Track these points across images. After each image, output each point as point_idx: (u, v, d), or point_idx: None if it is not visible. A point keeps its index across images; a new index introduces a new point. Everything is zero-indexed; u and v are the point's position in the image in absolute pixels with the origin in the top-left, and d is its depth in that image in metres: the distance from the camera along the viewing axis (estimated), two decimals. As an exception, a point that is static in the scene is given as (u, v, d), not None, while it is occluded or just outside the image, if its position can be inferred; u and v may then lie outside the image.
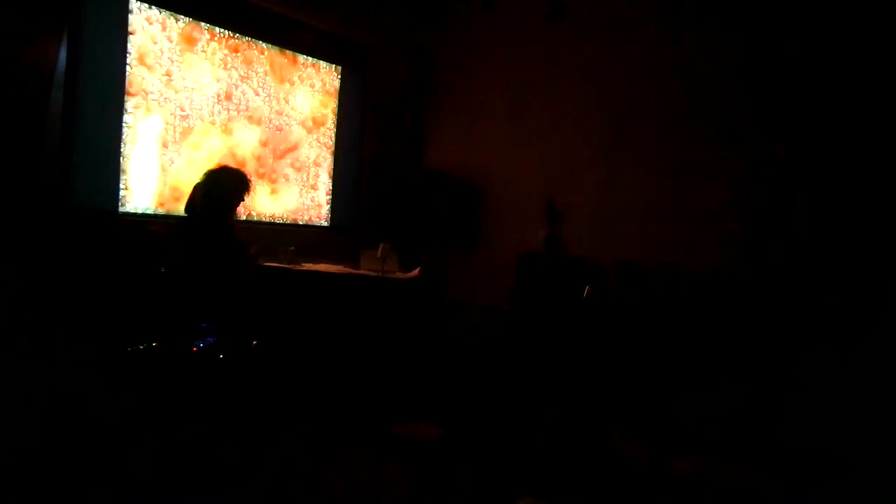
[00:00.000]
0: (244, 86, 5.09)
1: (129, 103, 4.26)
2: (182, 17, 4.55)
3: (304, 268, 4.67)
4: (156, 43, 4.40)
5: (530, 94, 5.72)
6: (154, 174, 4.46)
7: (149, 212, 4.42)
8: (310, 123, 5.72)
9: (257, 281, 4.27)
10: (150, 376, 3.11)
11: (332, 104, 5.92)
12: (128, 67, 4.24)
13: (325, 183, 5.92)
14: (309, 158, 5.75)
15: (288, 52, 5.43)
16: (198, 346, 3.17)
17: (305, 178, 5.73)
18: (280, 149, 5.47)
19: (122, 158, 4.25)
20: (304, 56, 5.58)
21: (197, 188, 3.56)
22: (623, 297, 4.93)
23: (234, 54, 4.97)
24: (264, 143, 5.32)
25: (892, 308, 3.97)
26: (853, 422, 3.71)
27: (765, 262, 4.61)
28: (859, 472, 3.35)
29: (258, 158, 5.27)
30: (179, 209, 4.48)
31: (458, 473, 3.22)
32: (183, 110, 4.62)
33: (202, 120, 4.77)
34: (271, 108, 5.34)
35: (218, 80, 4.86)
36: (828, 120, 4.40)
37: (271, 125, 5.36)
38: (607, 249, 5.02)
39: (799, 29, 4.52)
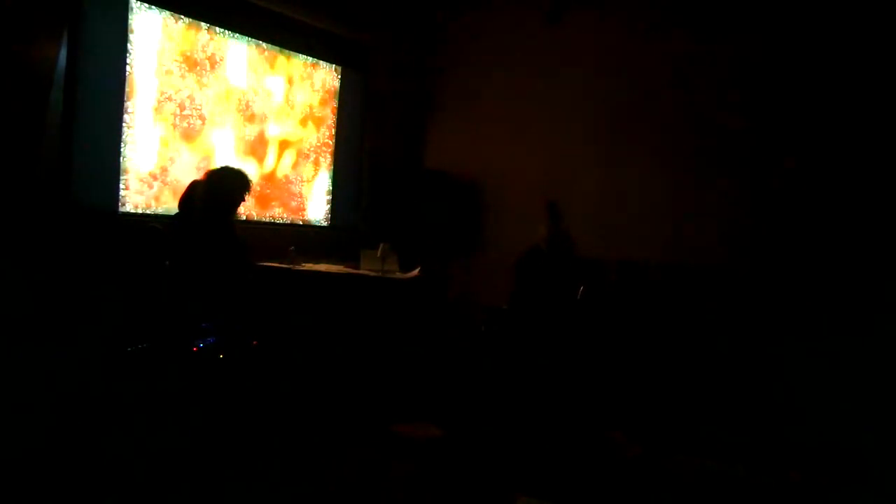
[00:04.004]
0: (244, 86, 5.09)
1: (129, 103, 4.26)
2: (182, 17, 4.55)
3: (304, 268, 4.67)
4: (156, 43, 4.40)
5: (530, 94, 5.72)
6: (154, 174, 4.46)
7: (149, 211, 4.42)
8: (310, 123, 5.72)
9: (257, 281, 4.27)
10: (150, 376, 3.11)
11: (332, 104, 5.92)
12: (128, 67, 4.24)
13: (325, 183, 5.92)
14: (309, 158, 5.75)
15: (288, 52, 5.43)
16: (198, 346, 3.17)
17: (305, 178, 5.73)
18: (280, 148, 5.47)
19: (122, 158, 4.25)
20: (304, 56, 5.59)
21: (196, 186, 3.56)
22: (622, 295, 4.93)
23: (233, 54, 4.97)
24: (264, 143, 5.32)
25: (894, 307, 3.97)
26: (854, 420, 3.72)
27: (766, 260, 4.61)
28: (860, 471, 3.35)
29: (258, 158, 5.27)
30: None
31: (459, 473, 3.22)
32: (183, 109, 4.62)
33: (202, 119, 4.77)
34: (271, 108, 5.34)
35: (218, 80, 4.86)
36: (829, 118, 4.41)
37: (271, 125, 5.36)
38: (608, 249, 5.02)
39: (800, 28, 4.52)
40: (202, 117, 4.76)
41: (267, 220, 5.38)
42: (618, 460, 3.51)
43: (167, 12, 4.44)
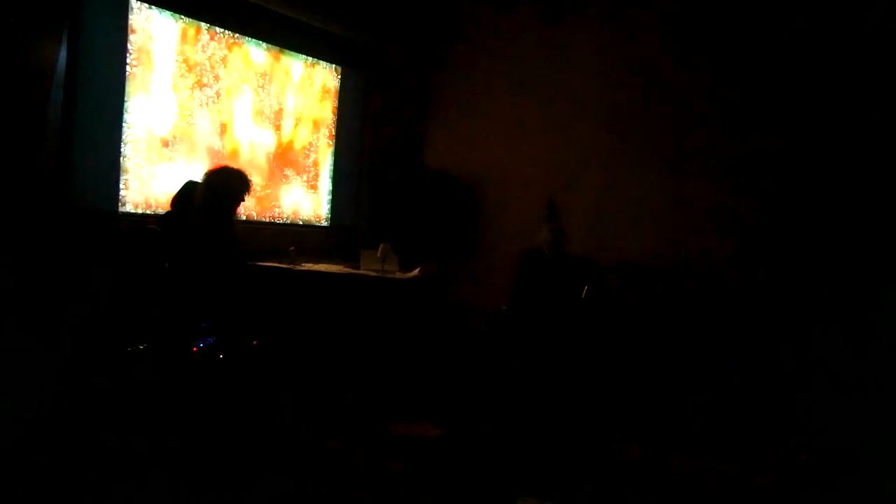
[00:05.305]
0: (244, 86, 5.09)
1: (129, 103, 4.26)
2: (182, 17, 4.55)
3: (304, 268, 4.67)
4: (156, 43, 4.40)
5: (530, 94, 5.72)
6: (154, 174, 4.46)
7: (149, 212, 4.42)
8: (310, 123, 5.72)
9: (257, 281, 4.27)
10: (150, 376, 3.11)
11: (332, 104, 5.92)
12: (128, 67, 4.24)
13: (325, 183, 5.92)
14: (309, 158, 5.75)
15: (288, 52, 5.43)
16: (198, 346, 3.17)
17: (305, 178, 5.73)
18: (280, 149, 5.47)
19: (122, 158, 4.25)
20: (304, 56, 5.59)
21: (191, 186, 3.56)
22: (623, 296, 4.93)
23: (233, 54, 4.97)
24: (264, 143, 5.32)
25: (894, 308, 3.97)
26: (853, 420, 3.72)
27: (767, 260, 4.61)
28: (858, 470, 3.36)
29: (258, 158, 5.27)
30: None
31: (459, 473, 3.22)
32: (183, 110, 4.62)
33: (202, 119, 4.76)
34: (271, 108, 5.34)
35: (218, 80, 4.86)
36: (831, 116, 4.41)
37: (271, 125, 5.36)
38: (608, 249, 5.02)
39: (801, 27, 4.52)
40: (202, 117, 4.76)
41: (267, 220, 5.38)
42: (618, 461, 3.51)
43: (167, 12, 4.44)
